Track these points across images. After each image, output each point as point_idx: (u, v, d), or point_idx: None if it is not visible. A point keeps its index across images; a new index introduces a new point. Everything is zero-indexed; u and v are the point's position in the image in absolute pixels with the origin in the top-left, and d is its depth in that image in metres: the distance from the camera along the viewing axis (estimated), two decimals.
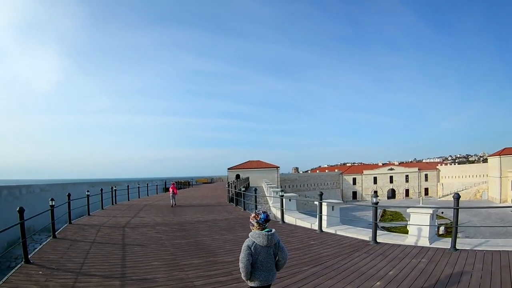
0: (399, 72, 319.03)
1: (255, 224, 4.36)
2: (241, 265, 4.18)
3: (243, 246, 4.25)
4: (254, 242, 4.26)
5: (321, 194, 11.70)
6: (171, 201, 22.09)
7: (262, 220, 4.34)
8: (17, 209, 8.17)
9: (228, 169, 76.08)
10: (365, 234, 10.60)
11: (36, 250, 9.43)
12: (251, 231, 4.42)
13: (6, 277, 6.96)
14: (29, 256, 8.30)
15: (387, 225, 54.04)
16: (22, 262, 8.06)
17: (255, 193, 16.35)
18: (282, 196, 14.35)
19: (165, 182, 47.25)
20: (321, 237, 10.78)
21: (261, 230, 4.33)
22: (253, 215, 4.43)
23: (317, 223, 11.89)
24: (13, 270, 7.49)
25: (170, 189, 22.87)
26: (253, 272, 4.23)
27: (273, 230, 4.38)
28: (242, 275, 4.22)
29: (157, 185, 43.11)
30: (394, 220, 67.73)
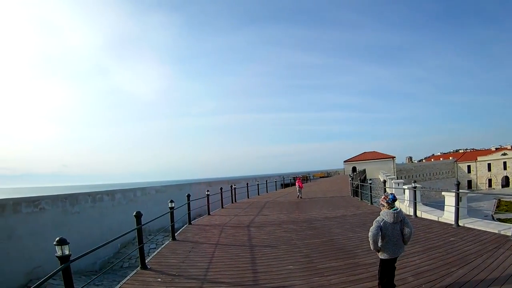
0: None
1: (385, 204, 5.21)
2: (370, 236, 5.02)
3: (373, 222, 5.10)
4: (383, 219, 5.07)
5: (458, 184, 10.75)
6: (298, 194, 24.01)
7: (391, 200, 5.19)
8: (134, 214, 7.79)
9: (344, 161, 74.91)
10: (505, 228, 9.26)
11: (154, 254, 9.04)
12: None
13: (119, 284, 6.46)
14: (146, 261, 7.85)
15: (502, 216, 46.83)
16: (138, 268, 7.62)
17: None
18: (415, 188, 13.41)
19: (283, 178, 46.80)
20: (459, 232, 9.62)
21: (389, 209, 5.13)
22: (382, 197, 5.33)
23: (444, 216, 11.74)
24: (128, 277, 7.02)
25: (296, 183, 25.23)
26: (383, 246, 5.06)
27: (399, 209, 5.16)
28: (371, 246, 5.09)
29: (276, 181, 42.74)
30: (509, 211, 57.40)
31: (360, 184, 24.10)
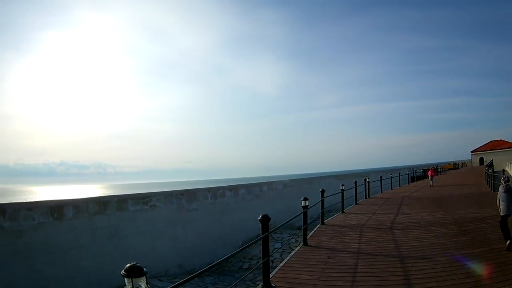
0: None
1: (502, 182, 7.96)
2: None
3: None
4: (499, 190, 7.96)
5: None
6: (430, 182, 25.77)
7: (506, 180, 7.90)
8: (260, 218, 5.79)
9: (472, 152, 69.25)
10: None
11: (281, 264, 7.20)
12: None
13: None
14: (270, 277, 5.91)
15: None
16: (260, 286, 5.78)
17: None
18: None
19: (414, 171, 41.84)
20: None
21: (504, 184, 7.77)
22: (502, 178, 8.29)
23: None
24: None
25: (429, 173, 27.42)
26: (500, 206, 7.77)
27: (509, 183, 7.80)
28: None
29: (408, 174, 38.52)
30: None
31: (492, 176, 20.15)
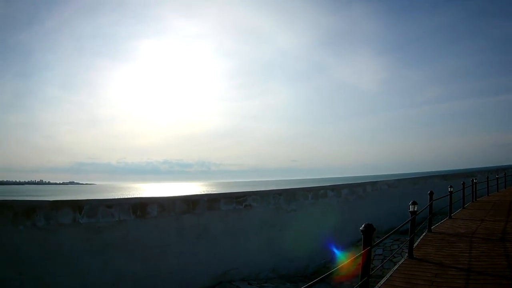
0: None
1: None
2: None
3: None
4: None
5: None
6: None
7: None
8: (362, 229, 4.61)
9: None
10: None
11: (382, 281, 6.08)
12: None
13: None
14: None
15: None
16: None
17: None
18: None
19: None
20: None
21: None
22: None
23: None
24: None
25: None
26: None
27: None
28: None
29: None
30: None
31: None
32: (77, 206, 7.82)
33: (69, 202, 8.01)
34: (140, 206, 8.88)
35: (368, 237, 4.59)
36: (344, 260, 11.12)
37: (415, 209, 7.52)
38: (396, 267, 6.96)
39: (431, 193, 9.91)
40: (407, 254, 7.65)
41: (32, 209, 7.26)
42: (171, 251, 9.31)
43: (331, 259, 13.84)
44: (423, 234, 9.83)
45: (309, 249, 12.49)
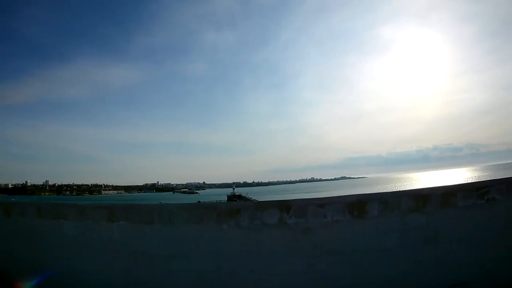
0: None
1: None
2: None
3: None
4: None
5: None
6: None
7: None
8: None
9: None
10: None
11: None
12: None
13: None
14: None
15: None
16: None
17: None
18: None
19: None
20: None
21: None
22: None
23: None
24: None
25: None
26: None
27: None
28: None
29: None
30: None
31: None
32: (285, 206, 6.66)
33: (275, 202, 6.99)
34: (358, 205, 7.06)
35: None
36: None
37: None
38: None
39: None
40: None
41: (236, 210, 6.64)
42: (389, 257, 7.50)
43: None
44: None
45: None
